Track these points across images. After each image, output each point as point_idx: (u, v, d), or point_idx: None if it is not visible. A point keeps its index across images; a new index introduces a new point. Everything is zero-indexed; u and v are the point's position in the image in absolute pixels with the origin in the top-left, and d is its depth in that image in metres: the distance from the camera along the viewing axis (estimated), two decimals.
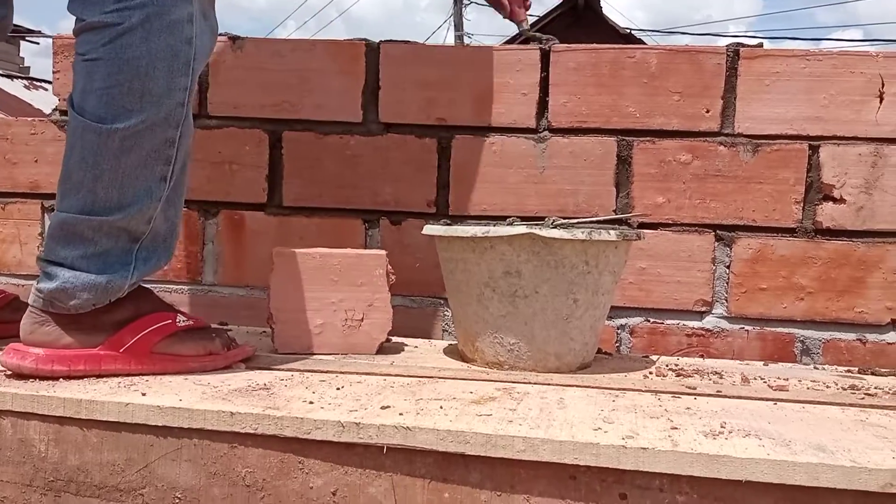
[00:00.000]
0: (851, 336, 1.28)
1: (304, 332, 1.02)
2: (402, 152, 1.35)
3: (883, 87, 1.25)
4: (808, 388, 0.91)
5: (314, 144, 1.37)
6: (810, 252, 1.27)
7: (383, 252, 1.06)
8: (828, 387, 0.92)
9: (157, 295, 0.99)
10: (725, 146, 1.29)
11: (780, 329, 1.29)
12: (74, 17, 0.90)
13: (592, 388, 0.85)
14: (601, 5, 9.09)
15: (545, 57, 1.32)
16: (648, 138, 1.31)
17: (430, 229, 0.99)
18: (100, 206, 0.87)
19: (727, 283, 1.30)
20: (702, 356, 1.30)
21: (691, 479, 0.61)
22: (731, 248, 1.29)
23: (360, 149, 1.36)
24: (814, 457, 0.61)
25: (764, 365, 1.16)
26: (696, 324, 1.32)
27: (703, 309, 1.31)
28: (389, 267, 1.07)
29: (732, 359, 1.28)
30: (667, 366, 1.03)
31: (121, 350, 0.89)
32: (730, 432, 0.67)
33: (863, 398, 0.84)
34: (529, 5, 1.29)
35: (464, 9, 14.22)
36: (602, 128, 1.32)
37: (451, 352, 1.08)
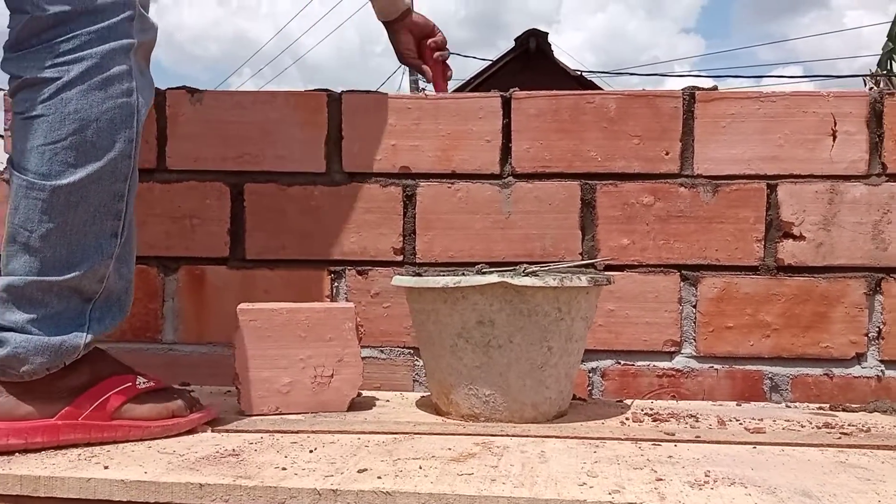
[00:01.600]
0: (818, 371, 1.29)
1: (271, 392, 0.99)
2: (367, 201, 1.34)
3: (835, 125, 1.29)
4: (784, 429, 0.91)
5: (277, 196, 1.35)
6: (774, 289, 1.29)
7: (352, 305, 1.04)
8: (802, 426, 0.92)
9: (113, 356, 0.95)
10: (686, 187, 1.31)
11: (748, 367, 1.30)
12: (9, 76, 0.88)
13: (572, 438, 0.84)
14: (552, 49, 9.33)
15: (507, 104, 1.34)
16: (611, 181, 1.33)
17: (400, 280, 0.98)
18: (49, 267, 0.84)
19: (695, 323, 1.31)
20: (673, 397, 1.30)
21: None
22: (696, 288, 1.30)
23: (325, 199, 1.35)
24: None
25: (737, 405, 1.16)
26: (666, 364, 1.32)
27: (673, 349, 1.31)
28: (358, 320, 1.04)
29: (703, 398, 1.28)
30: (642, 410, 1.02)
31: (80, 418, 0.84)
32: (714, 481, 0.66)
33: (839, 437, 0.85)
34: (450, 76, 1.41)
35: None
36: (565, 172, 1.33)
37: (424, 405, 1.05)
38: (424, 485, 0.64)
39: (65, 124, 0.84)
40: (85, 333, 0.86)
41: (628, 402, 1.15)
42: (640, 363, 1.32)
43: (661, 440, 0.83)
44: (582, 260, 1.32)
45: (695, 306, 1.31)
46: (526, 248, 1.33)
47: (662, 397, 1.30)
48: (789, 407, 1.13)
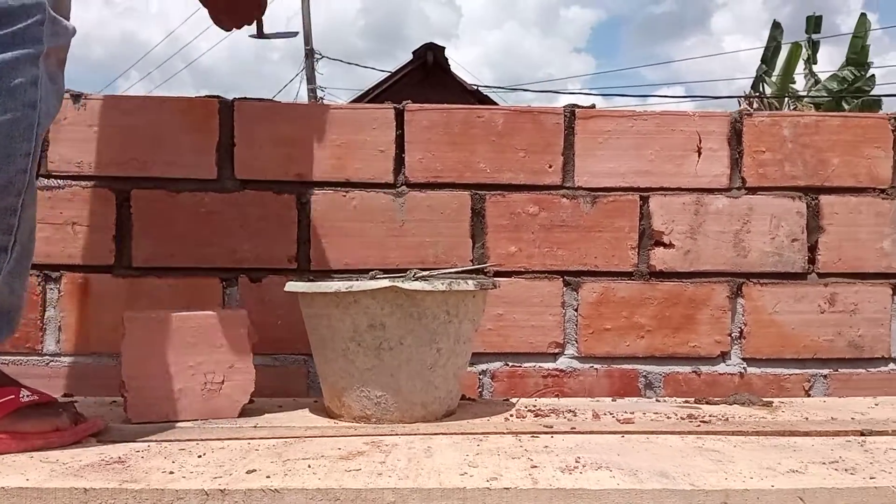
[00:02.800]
0: (688, 369, 1.40)
1: (160, 400, 0.98)
2: (260, 208, 1.34)
3: (700, 142, 1.41)
4: (651, 420, 0.99)
5: (166, 202, 1.33)
6: (647, 293, 1.39)
7: (244, 311, 1.05)
8: (669, 417, 1.01)
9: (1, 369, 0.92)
10: (568, 198, 1.39)
11: (625, 366, 1.39)
12: None
13: (458, 434, 0.88)
14: (449, 63, 9.51)
15: (400, 115, 1.38)
16: (499, 192, 1.39)
17: (293, 286, 0.99)
18: None
19: (576, 325, 1.39)
20: (557, 396, 1.37)
21: None
22: (577, 293, 1.38)
23: (216, 206, 1.34)
24: (658, 483, 0.66)
25: (612, 400, 1.24)
26: (550, 365, 1.39)
27: (557, 351, 1.38)
28: (251, 326, 1.05)
29: (585, 396, 1.36)
30: (526, 407, 1.08)
31: None
32: (584, 466, 0.72)
33: (699, 426, 0.93)
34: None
35: (316, 63, 14.34)
36: (456, 182, 1.38)
37: (317, 409, 1.07)
38: (312, 481, 0.67)
39: None
40: None
41: (514, 400, 1.21)
42: (526, 364, 1.38)
43: (540, 432, 0.89)
44: (472, 266, 1.37)
45: (576, 310, 1.38)
46: (419, 255, 1.37)
47: (547, 396, 1.37)
48: (659, 401, 1.22)
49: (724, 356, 1.40)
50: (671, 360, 1.40)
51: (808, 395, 1.39)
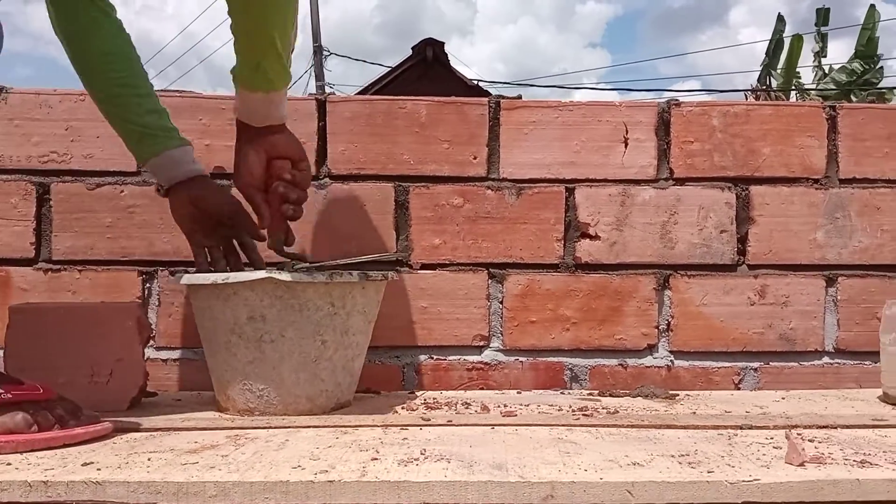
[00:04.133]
0: (614, 362, 1.38)
1: None
2: None
3: (627, 133, 1.39)
4: (538, 413, 0.98)
5: (86, 196, 1.33)
6: (572, 285, 1.37)
7: (135, 303, 1.04)
8: (560, 409, 1.00)
9: None
10: (493, 190, 1.37)
11: (550, 358, 1.38)
12: None
13: (328, 427, 0.88)
14: (448, 59, 9.48)
15: (322, 107, 1.37)
16: (423, 184, 1.38)
17: (181, 279, 0.99)
18: None
19: (501, 318, 1.37)
20: (482, 388, 1.36)
21: None
22: (503, 285, 1.37)
23: (136, 199, 1.34)
24: (488, 475, 0.65)
25: (517, 393, 1.23)
26: (475, 358, 1.38)
27: (482, 343, 1.37)
28: (143, 318, 1.05)
29: (510, 389, 1.35)
30: (426, 400, 1.07)
31: None
32: (425, 458, 0.71)
33: (579, 418, 0.92)
34: (291, 216, 1.07)
35: (324, 60, 14.37)
36: (380, 174, 1.37)
37: (213, 402, 1.07)
38: (139, 474, 0.66)
39: None
40: None
41: (419, 393, 1.20)
42: (451, 358, 1.37)
43: (413, 425, 0.88)
44: (396, 258, 1.36)
45: (501, 302, 1.37)
46: (342, 248, 1.36)
47: (473, 389, 1.36)
48: (563, 394, 1.21)
49: (651, 349, 1.38)
50: (597, 352, 1.38)
51: (738, 389, 1.37)
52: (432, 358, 1.37)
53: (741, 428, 0.86)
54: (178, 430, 0.86)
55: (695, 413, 0.95)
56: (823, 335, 1.39)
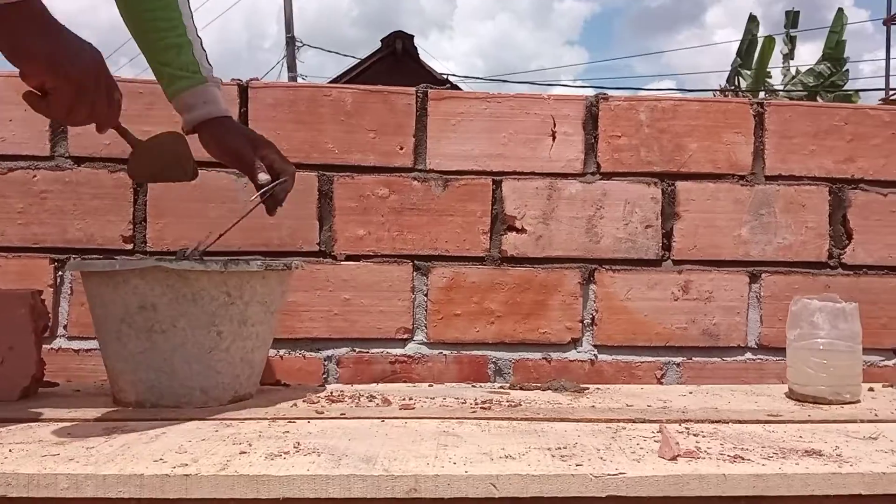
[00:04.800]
0: (538, 355, 1.38)
1: None
2: (95, 187, 1.31)
3: (555, 126, 1.38)
4: (439, 406, 0.96)
5: None
6: (498, 278, 1.36)
7: (29, 291, 1.01)
8: (463, 403, 0.98)
9: None
10: (419, 181, 1.36)
11: (474, 352, 1.37)
12: None
13: (213, 420, 0.85)
14: (418, 52, 9.44)
15: (244, 92, 1.34)
16: (348, 173, 1.36)
17: (70, 266, 0.96)
18: None
19: (426, 311, 1.36)
20: (405, 382, 1.34)
21: (240, 501, 0.63)
22: (427, 277, 1.36)
23: (49, 184, 1.30)
24: (353, 469, 0.64)
25: (429, 386, 1.22)
26: (399, 351, 1.36)
27: (406, 336, 1.36)
28: (40, 307, 1.01)
29: (434, 383, 1.33)
30: (332, 393, 1.05)
31: None
32: (297, 452, 0.69)
33: (475, 411, 0.91)
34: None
35: (297, 51, 14.24)
36: (303, 163, 1.34)
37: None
38: None
39: None
40: None
41: (329, 386, 1.18)
42: (374, 350, 1.36)
43: (302, 418, 0.86)
44: (319, 249, 1.34)
45: (426, 295, 1.36)
46: (263, 237, 1.34)
47: (396, 382, 1.34)
48: (475, 387, 1.20)
49: (575, 343, 1.38)
50: (521, 346, 1.37)
51: (661, 383, 1.37)
52: (354, 350, 1.36)
53: (633, 421, 0.85)
54: (58, 422, 0.83)
55: (594, 406, 0.94)
56: (746, 331, 1.39)
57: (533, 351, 1.38)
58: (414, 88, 1.37)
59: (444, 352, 1.37)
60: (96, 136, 1.30)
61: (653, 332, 1.38)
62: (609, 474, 0.63)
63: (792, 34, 13.58)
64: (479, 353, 1.37)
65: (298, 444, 0.72)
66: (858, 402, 0.99)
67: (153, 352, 0.90)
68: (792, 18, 13.77)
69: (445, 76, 9.72)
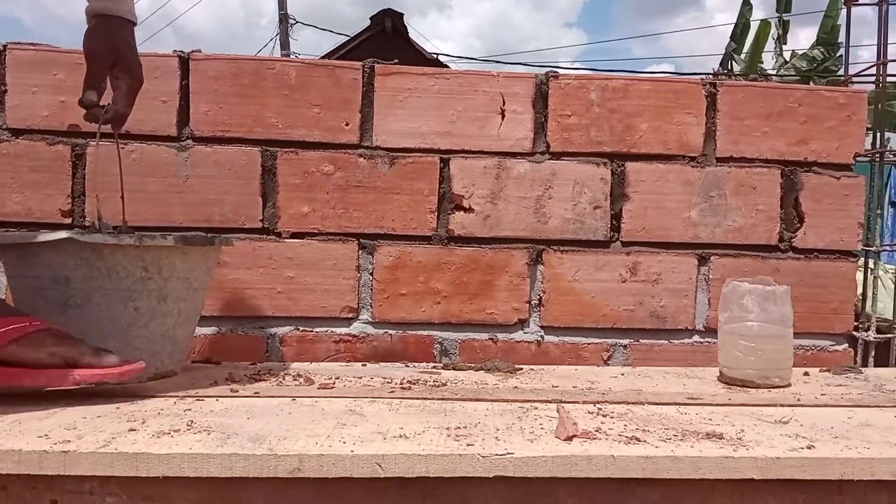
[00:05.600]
0: (484, 336, 1.36)
1: None
2: (33, 160, 1.28)
3: (504, 104, 1.36)
4: (360, 385, 0.95)
5: None
6: (444, 258, 1.35)
7: None
8: (389, 382, 0.97)
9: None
10: (365, 158, 1.34)
11: (420, 332, 1.36)
12: None
13: (120, 397, 0.84)
14: (408, 30, 9.33)
15: (185, 64, 1.31)
16: (292, 149, 1.33)
17: None
18: None
19: (371, 290, 1.34)
20: (349, 361, 1.33)
21: (121, 479, 0.61)
22: (373, 256, 1.34)
23: None
24: (238, 448, 0.63)
25: (363, 366, 1.21)
26: (343, 330, 1.35)
27: (350, 315, 1.34)
28: None
29: (379, 362, 1.32)
30: (259, 371, 1.04)
31: None
32: (188, 430, 0.68)
33: (394, 391, 0.90)
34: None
35: (290, 28, 14.10)
36: (245, 137, 1.32)
37: None
38: None
39: None
40: None
41: (259, 364, 1.17)
42: (318, 329, 1.34)
43: (212, 396, 0.85)
44: (262, 226, 1.33)
45: (372, 274, 1.34)
46: (204, 213, 1.32)
47: (340, 361, 1.33)
48: (407, 366, 1.19)
49: (522, 324, 1.36)
50: (468, 326, 1.36)
51: (607, 365, 1.36)
52: (298, 329, 1.34)
53: (549, 402, 0.84)
54: None
55: (517, 387, 0.93)
56: (695, 314, 1.38)
57: (479, 331, 1.37)
58: (360, 63, 1.35)
59: (390, 331, 1.35)
60: (34, 107, 1.28)
61: (600, 313, 1.37)
62: (496, 454, 0.62)
63: (785, 18, 13.48)
64: (425, 333, 1.36)
65: (192, 422, 0.71)
66: (788, 385, 0.98)
67: (68, 326, 0.89)
68: (785, 3, 13.65)
69: (435, 55, 9.63)
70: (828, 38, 12.77)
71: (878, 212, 1.52)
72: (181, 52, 1.31)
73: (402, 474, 0.61)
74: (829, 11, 12.96)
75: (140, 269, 0.91)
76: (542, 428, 0.70)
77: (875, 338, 1.48)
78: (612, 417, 0.76)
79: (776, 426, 0.74)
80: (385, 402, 0.83)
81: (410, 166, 1.34)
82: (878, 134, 1.63)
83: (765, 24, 13.17)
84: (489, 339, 1.37)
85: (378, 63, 1.35)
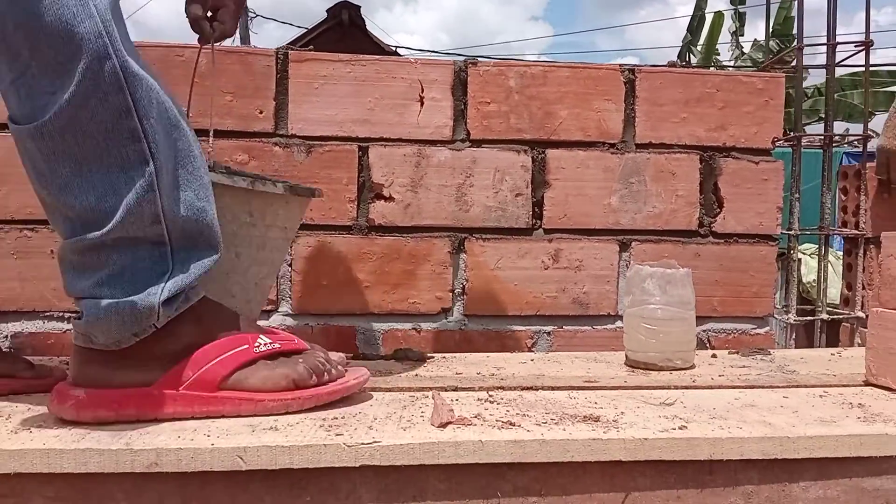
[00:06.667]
0: (408, 326, 1.35)
1: None
2: None
3: (423, 92, 1.34)
4: None
5: None
6: (365, 248, 1.33)
7: None
8: None
9: (231, 311, 0.79)
10: (280, 146, 1.31)
11: (342, 323, 1.34)
12: None
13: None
14: (365, 22, 9.26)
15: None
16: (203, 138, 1.29)
17: None
18: (82, 222, 0.69)
19: (290, 281, 1.32)
20: None
21: None
22: (292, 247, 1.32)
23: None
24: (94, 443, 0.60)
25: None
26: (263, 323, 1.32)
27: (270, 308, 1.32)
28: None
29: None
30: None
31: (180, 388, 0.70)
32: (56, 426, 0.66)
33: None
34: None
35: (250, 22, 13.90)
36: None
37: None
38: None
39: (20, 50, 0.65)
40: (161, 288, 0.70)
41: None
42: None
43: None
44: None
45: (291, 265, 1.32)
46: None
47: None
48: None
49: (445, 312, 1.36)
50: (391, 316, 1.35)
51: (531, 351, 1.36)
52: None
53: (445, 389, 0.83)
54: None
55: (417, 375, 0.92)
56: (617, 299, 1.39)
57: (403, 321, 1.35)
58: (274, 49, 1.32)
59: (310, 322, 1.34)
60: None
61: (523, 301, 1.36)
62: (362, 443, 0.60)
63: (741, 10, 13.67)
64: (347, 324, 1.34)
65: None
66: (692, 367, 0.98)
67: None
68: None
69: (394, 48, 9.56)
70: (781, 29, 12.97)
71: (797, 195, 1.54)
72: None
73: (265, 466, 0.60)
74: (782, 3, 13.18)
75: (246, 214, 0.86)
76: (422, 416, 0.69)
77: (795, 320, 1.50)
78: (498, 403, 0.76)
79: (659, 408, 0.74)
80: None
81: (328, 155, 1.32)
82: (825, 119, 1.65)
83: (718, 15, 13.33)
84: (413, 328, 1.36)
85: (292, 49, 1.33)
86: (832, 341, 1.65)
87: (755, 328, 1.43)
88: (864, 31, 1.63)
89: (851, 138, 1.75)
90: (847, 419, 0.70)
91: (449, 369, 0.97)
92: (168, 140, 0.72)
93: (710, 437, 0.63)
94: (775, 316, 1.47)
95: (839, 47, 1.69)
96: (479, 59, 1.37)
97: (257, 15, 14.17)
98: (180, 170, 0.73)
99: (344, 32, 9.10)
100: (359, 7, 9.06)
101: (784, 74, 1.46)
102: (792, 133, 1.61)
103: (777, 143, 1.41)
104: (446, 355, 1.10)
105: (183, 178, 0.73)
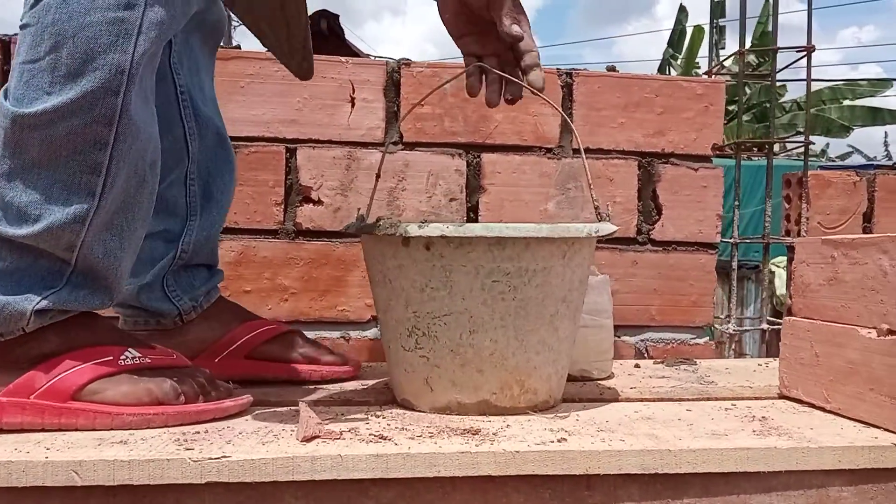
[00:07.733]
0: (336, 334, 1.31)
1: None
2: None
3: (354, 92, 1.31)
4: None
5: None
6: (292, 253, 1.29)
7: None
8: None
9: (113, 325, 0.79)
10: None
11: None
12: None
13: None
14: (344, 31, 9.25)
15: (7, 48, 1.23)
16: None
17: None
18: (3, 212, 0.68)
19: None
20: None
21: None
22: None
23: None
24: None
25: None
26: None
27: None
28: None
29: None
30: None
31: (31, 396, 0.65)
32: None
33: None
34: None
35: (234, 30, 13.89)
36: None
37: None
38: None
39: (43, 39, 0.67)
40: (39, 298, 0.68)
41: None
42: None
43: None
44: None
45: None
46: None
47: None
48: None
49: (376, 321, 1.32)
50: (318, 324, 1.31)
51: None
52: None
53: (336, 403, 0.79)
54: None
55: (317, 388, 0.88)
56: None
57: (331, 329, 1.31)
58: None
59: None
60: None
61: None
62: (210, 458, 0.56)
63: (721, 24, 13.73)
64: None
65: None
66: (610, 377, 0.95)
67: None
68: (719, 9, 13.81)
69: (372, 57, 9.56)
70: (759, 42, 13.05)
71: (736, 203, 1.52)
72: (6, 35, 1.23)
73: (103, 482, 0.56)
74: (761, 17, 13.30)
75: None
76: (292, 431, 0.65)
77: (734, 330, 1.48)
78: (384, 417, 0.72)
79: (550, 421, 0.70)
80: None
81: (254, 156, 1.29)
82: (769, 126, 1.63)
83: (698, 29, 13.43)
84: (341, 336, 1.32)
85: (220, 47, 1.29)
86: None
87: (694, 338, 1.40)
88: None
89: (792, 146, 1.73)
90: (741, 433, 0.67)
91: (358, 381, 0.93)
92: (125, 186, 0.72)
93: (586, 451, 0.60)
94: (716, 326, 1.45)
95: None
96: (412, 61, 1.34)
97: (240, 24, 14.19)
98: (119, 216, 0.73)
99: (324, 41, 9.08)
100: (337, 16, 9.03)
101: (725, 81, 1.43)
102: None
103: (716, 151, 1.38)
104: (372, 365, 1.07)
105: (118, 224, 0.73)
